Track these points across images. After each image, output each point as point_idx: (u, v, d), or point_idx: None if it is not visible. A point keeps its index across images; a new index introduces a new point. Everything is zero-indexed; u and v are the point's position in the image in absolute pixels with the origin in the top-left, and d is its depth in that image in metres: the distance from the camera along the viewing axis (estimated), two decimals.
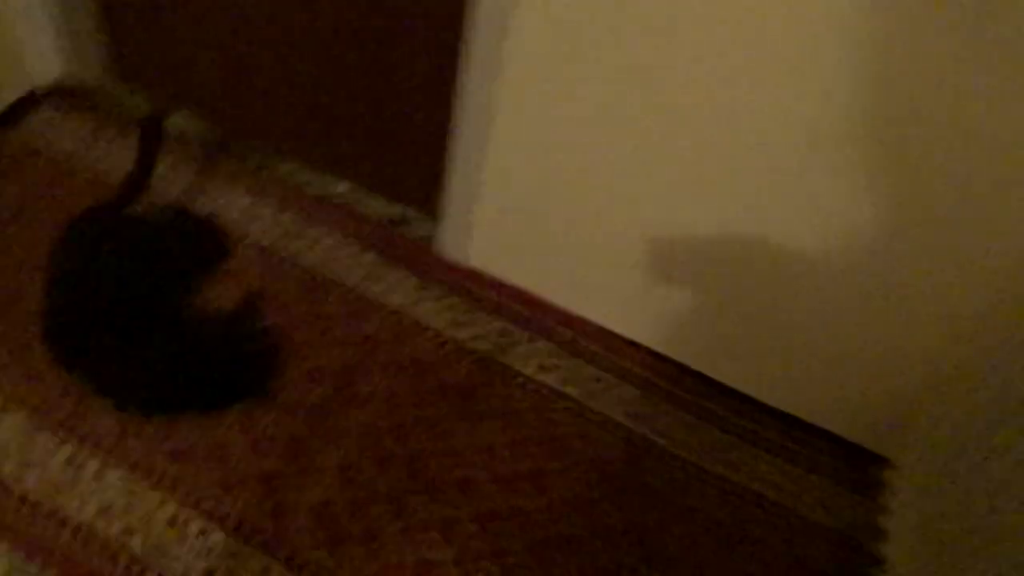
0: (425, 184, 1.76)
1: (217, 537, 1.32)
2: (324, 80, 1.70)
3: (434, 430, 1.53)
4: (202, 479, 1.38)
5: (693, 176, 1.35)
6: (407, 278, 1.75)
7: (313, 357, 1.58)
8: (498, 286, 1.77)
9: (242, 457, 1.42)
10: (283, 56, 1.70)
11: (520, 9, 1.26)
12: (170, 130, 1.89)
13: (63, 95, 1.89)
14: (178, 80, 1.87)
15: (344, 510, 1.40)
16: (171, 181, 1.79)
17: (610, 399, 1.64)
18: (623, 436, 1.59)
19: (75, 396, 1.42)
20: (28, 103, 1.86)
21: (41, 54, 1.83)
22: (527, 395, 1.62)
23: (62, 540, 1.28)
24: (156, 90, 1.94)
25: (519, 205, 1.60)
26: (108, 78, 1.96)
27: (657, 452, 1.58)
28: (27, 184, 1.74)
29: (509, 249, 1.71)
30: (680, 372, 1.70)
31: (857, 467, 1.62)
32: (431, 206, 1.79)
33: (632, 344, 1.72)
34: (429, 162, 1.71)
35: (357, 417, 1.52)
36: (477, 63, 1.39)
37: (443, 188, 1.69)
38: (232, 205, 1.79)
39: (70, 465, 1.36)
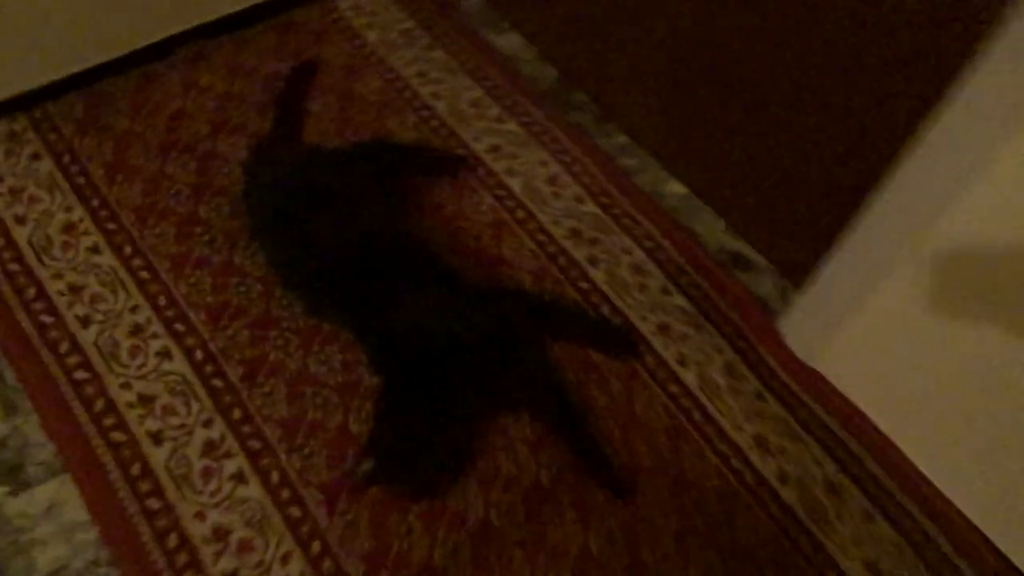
0: (797, 230, 1.18)
1: None
2: (706, 53, 1.17)
3: None
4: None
5: None
6: (719, 351, 1.20)
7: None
8: (846, 413, 1.15)
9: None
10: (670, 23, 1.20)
11: None
12: (498, 51, 1.49)
13: None
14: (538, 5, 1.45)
15: None
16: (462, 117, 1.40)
17: None
18: None
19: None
20: None
21: None
22: None
23: None
24: (504, 7, 1.53)
25: (920, 324, 0.97)
26: None
27: None
28: (323, 61, 1.44)
29: (883, 370, 1.09)
30: None
31: None
32: (793, 263, 1.20)
33: None
34: (816, 206, 1.12)
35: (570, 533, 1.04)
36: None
37: (823, 249, 1.09)
38: (524, 171, 1.35)
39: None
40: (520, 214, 1.30)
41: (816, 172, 1.12)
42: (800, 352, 1.17)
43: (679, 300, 1.24)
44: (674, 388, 1.16)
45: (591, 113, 1.43)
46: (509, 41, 1.51)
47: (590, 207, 1.32)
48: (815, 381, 1.16)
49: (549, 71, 1.47)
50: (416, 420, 0.95)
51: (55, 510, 0.97)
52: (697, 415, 1.13)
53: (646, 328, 1.20)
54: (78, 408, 1.04)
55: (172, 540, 0.97)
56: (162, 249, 1.19)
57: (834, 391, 1.15)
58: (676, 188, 1.36)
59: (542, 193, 1.32)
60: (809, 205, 1.15)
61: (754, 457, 1.11)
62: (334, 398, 1.09)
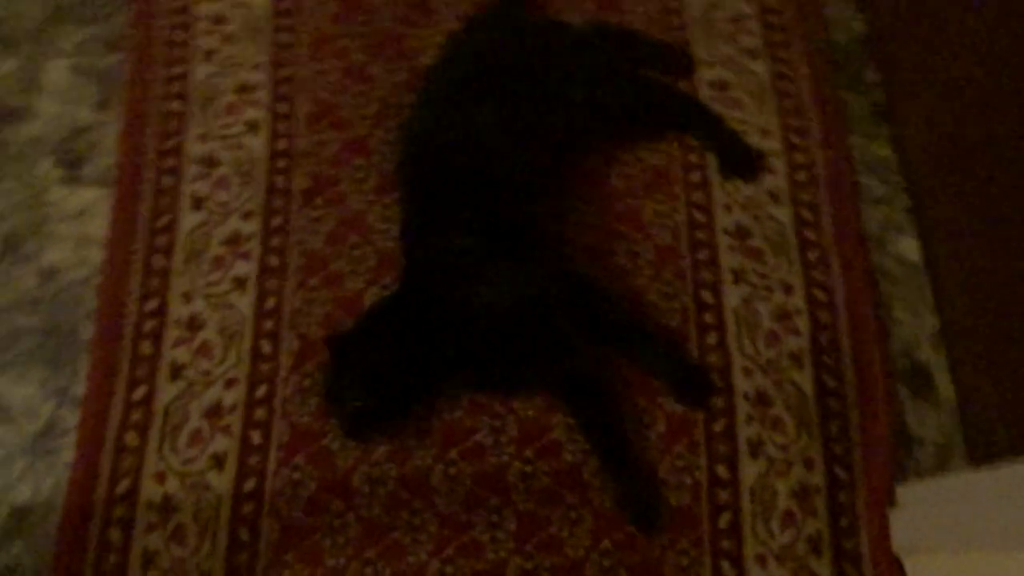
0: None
1: None
2: None
3: None
4: None
5: None
6: (807, 465, 0.90)
7: None
8: None
9: None
10: None
11: None
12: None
13: None
14: None
15: None
16: None
17: None
18: None
19: None
20: None
21: None
22: None
23: None
24: None
25: None
26: None
27: None
28: None
29: None
30: None
31: None
32: (987, 424, 0.86)
33: None
34: None
35: None
36: None
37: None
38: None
39: None
40: (695, 177, 1.03)
41: None
42: (898, 537, 0.85)
43: (804, 379, 0.94)
44: (723, 473, 0.91)
45: (870, 100, 1.06)
46: None
47: (783, 213, 1.01)
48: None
49: (857, 24, 1.10)
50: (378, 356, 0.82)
51: (84, 216, 0.99)
52: (725, 519, 0.89)
53: (741, 386, 0.94)
54: (151, 138, 1.02)
55: (152, 303, 0.95)
56: (315, 18, 1.08)
57: None
58: (908, 250, 1.00)
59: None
60: None
61: None
62: (371, 260, 0.97)
